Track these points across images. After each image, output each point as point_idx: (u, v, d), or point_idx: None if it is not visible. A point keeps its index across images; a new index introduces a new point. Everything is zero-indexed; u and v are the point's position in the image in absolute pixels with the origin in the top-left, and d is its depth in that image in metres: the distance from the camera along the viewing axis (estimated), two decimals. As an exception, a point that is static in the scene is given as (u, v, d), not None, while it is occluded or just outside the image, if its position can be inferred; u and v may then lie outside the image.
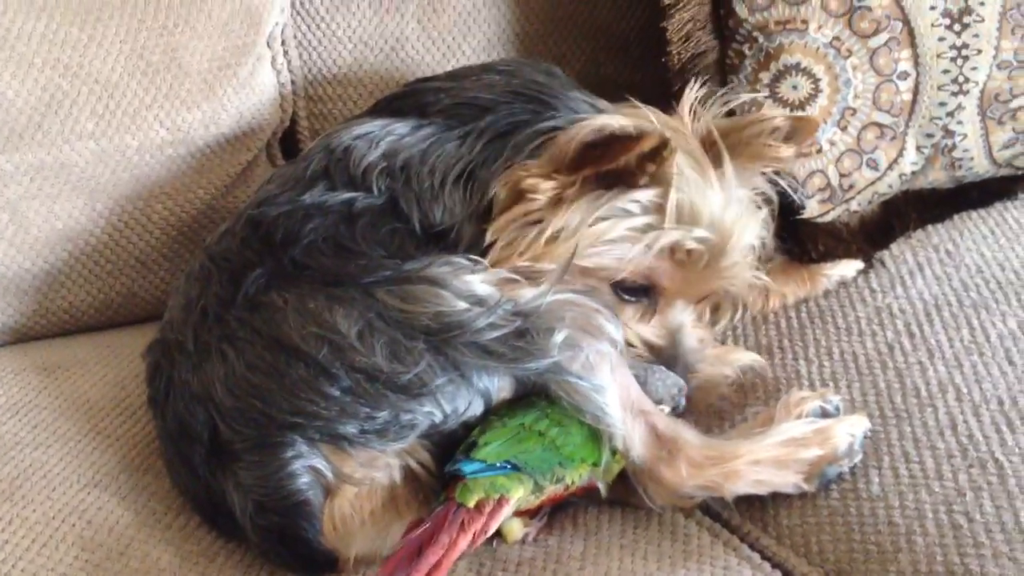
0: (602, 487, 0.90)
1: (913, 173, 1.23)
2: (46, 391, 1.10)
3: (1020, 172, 1.27)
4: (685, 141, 0.99)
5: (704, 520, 0.92)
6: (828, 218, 1.23)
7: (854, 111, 1.19)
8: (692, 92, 1.02)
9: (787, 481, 0.89)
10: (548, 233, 0.95)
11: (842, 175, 1.21)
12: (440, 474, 0.87)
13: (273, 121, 1.30)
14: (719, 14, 1.21)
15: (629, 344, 0.98)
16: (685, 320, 1.02)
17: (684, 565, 0.86)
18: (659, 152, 0.93)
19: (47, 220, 1.20)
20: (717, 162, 0.99)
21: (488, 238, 0.97)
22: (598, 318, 0.89)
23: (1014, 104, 1.21)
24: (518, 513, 0.88)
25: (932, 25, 1.18)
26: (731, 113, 1.08)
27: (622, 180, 0.96)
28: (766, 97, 1.18)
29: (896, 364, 1.00)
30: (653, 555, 0.87)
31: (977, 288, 1.08)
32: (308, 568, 0.87)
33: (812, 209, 1.21)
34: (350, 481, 0.86)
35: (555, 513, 0.92)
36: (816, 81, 1.18)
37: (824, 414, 0.93)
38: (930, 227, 1.21)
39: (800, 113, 1.17)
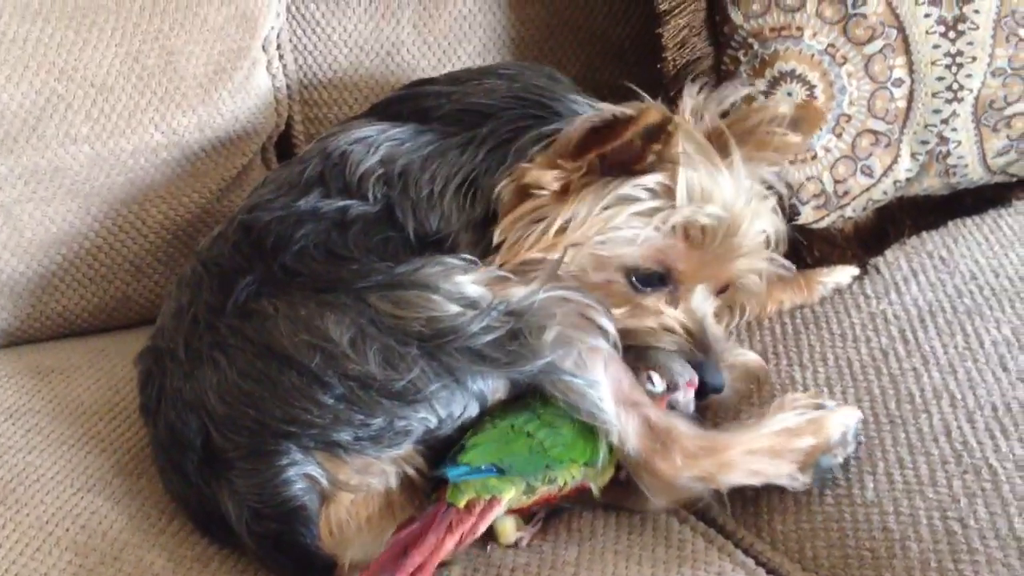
0: (594, 488, 0.90)
1: (908, 180, 1.23)
2: (40, 395, 1.09)
3: (1014, 179, 1.28)
4: (690, 133, 0.98)
5: (698, 525, 0.92)
6: (823, 224, 1.23)
7: (849, 118, 1.19)
8: (691, 93, 1.02)
9: (781, 471, 0.88)
10: (557, 224, 0.95)
11: (837, 181, 1.21)
12: (433, 472, 0.87)
13: (268, 125, 1.30)
14: (714, 20, 1.22)
15: (669, 330, 0.97)
16: (708, 309, 1.01)
17: (678, 570, 0.86)
18: (662, 129, 0.93)
19: (41, 223, 1.20)
20: (724, 153, 0.98)
21: (496, 239, 0.96)
22: (590, 312, 0.89)
23: (1008, 111, 1.21)
24: (512, 511, 0.88)
25: (927, 32, 1.18)
26: (726, 114, 1.08)
27: (628, 165, 0.95)
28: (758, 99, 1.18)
29: (890, 370, 1.00)
30: (647, 560, 0.87)
31: (971, 294, 1.08)
32: (306, 574, 0.86)
33: (807, 215, 1.22)
34: (345, 488, 0.86)
35: (550, 518, 0.92)
36: (811, 88, 1.18)
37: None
38: (924, 234, 1.21)
39: (801, 100, 1.17)
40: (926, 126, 1.21)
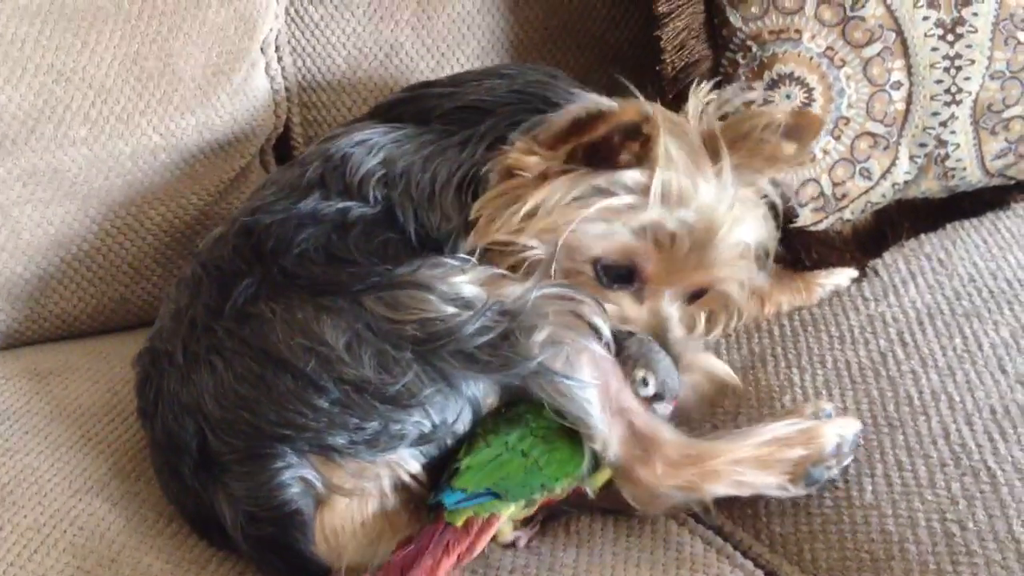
0: (590, 492, 0.89)
1: (906, 182, 1.24)
2: (38, 397, 1.09)
3: (1013, 182, 1.28)
4: (684, 133, 0.97)
5: (697, 528, 0.92)
6: (821, 227, 1.23)
7: (847, 120, 1.19)
8: (697, 94, 1.01)
9: (769, 482, 0.87)
10: (527, 208, 0.94)
11: (835, 184, 1.21)
12: (429, 499, 0.86)
13: (267, 127, 1.30)
14: (713, 23, 1.22)
15: (625, 323, 0.96)
16: (673, 313, 0.99)
17: (677, 573, 0.86)
18: (639, 129, 0.93)
19: (40, 225, 1.20)
20: (717, 158, 0.97)
21: (472, 214, 0.96)
22: (583, 310, 0.88)
23: (1007, 114, 1.22)
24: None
25: (925, 35, 1.18)
26: (724, 117, 1.08)
27: (607, 160, 0.95)
28: (760, 105, 1.18)
29: (889, 373, 1.00)
30: (646, 563, 0.87)
31: (969, 297, 1.08)
32: None
33: (805, 218, 1.22)
34: (340, 492, 0.86)
35: (547, 521, 0.92)
36: (810, 90, 1.18)
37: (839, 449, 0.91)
38: (923, 236, 1.22)
39: (801, 108, 1.16)
40: (924, 129, 1.21)
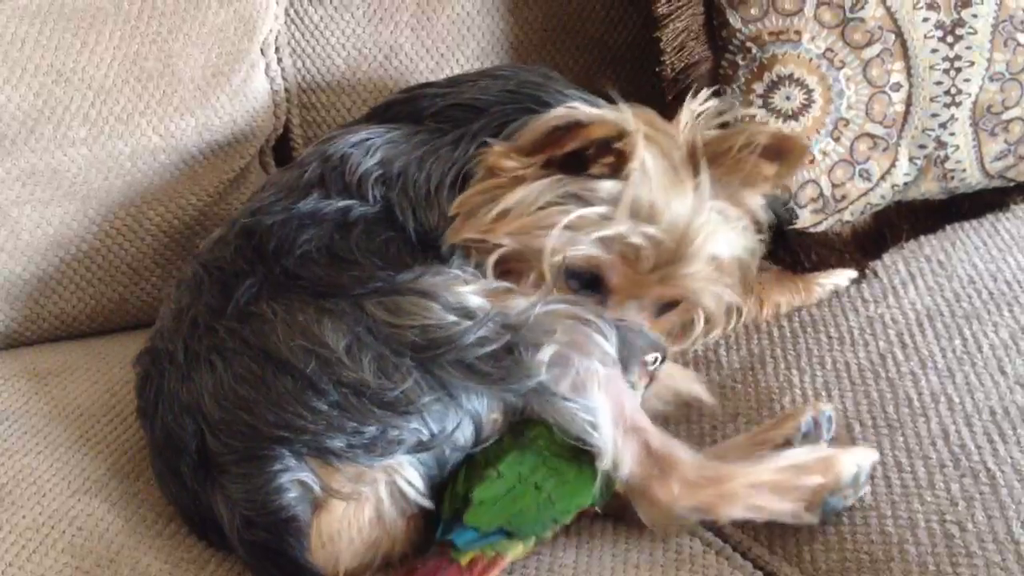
0: (597, 508, 0.90)
1: (905, 184, 1.24)
2: (37, 397, 1.09)
3: (1012, 184, 1.28)
4: (668, 144, 0.97)
5: (696, 529, 0.92)
6: (821, 228, 1.23)
7: (847, 122, 1.19)
8: (691, 104, 1.01)
9: (785, 508, 0.86)
10: (499, 209, 0.94)
11: (835, 185, 1.21)
12: (438, 534, 0.86)
13: (266, 128, 1.30)
14: (713, 24, 1.22)
15: None
16: (640, 322, 0.98)
17: (676, 574, 0.86)
18: (612, 143, 0.92)
19: (39, 226, 1.20)
20: (699, 171, 0.96)
21: (451, 210, 0.96)
22: (590, 331, 0.88)
23: (1006, 116, 1.22)
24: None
25: (925, 37, 1.18)
26: (724, 126, 1.08)
27: (583, 168, 0.95)
28: (759, 108, 1.18)
29: (888, 374, 1.00)
30: (645, 564, 0.87)
31: (969, 299, 1.08)
32: None
33: (805, 219, 1.22)
34: (337, 496, 0.85)
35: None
36: (809, 92, 1.18)
37: (816, 425, 0.92)
38: (922, 238, 1.22)
39: (787, 132, 1.15)
40: (924, 130, 1.21)
